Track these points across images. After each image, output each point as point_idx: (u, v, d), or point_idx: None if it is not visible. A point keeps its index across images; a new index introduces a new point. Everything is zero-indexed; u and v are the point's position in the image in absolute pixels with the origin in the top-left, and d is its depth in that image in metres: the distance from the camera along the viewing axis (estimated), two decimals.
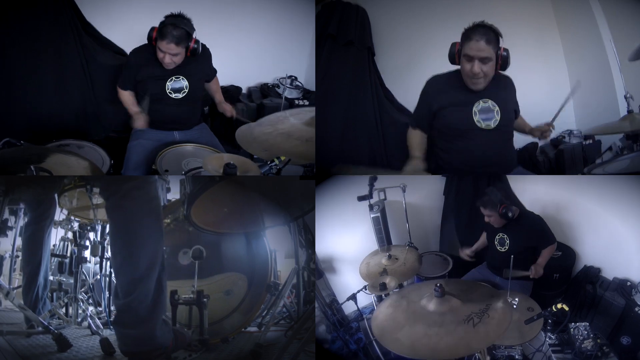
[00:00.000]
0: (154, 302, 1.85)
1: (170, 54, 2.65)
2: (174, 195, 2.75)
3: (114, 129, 3.24)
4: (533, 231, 2.61)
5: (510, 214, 2.57)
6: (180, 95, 2.81)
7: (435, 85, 2.49)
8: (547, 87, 3.47)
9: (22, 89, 3.01)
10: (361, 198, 2.86)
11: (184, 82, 2.80)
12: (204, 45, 2.86)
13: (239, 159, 2.35)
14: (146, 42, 2.73)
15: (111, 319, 2.40)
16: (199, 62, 2.86)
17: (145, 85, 2.77)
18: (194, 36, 2.72)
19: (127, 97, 2.84)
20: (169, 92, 2.79)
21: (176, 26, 2.60)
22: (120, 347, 1.89)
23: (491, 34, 2.27)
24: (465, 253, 2.87)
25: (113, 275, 2.33)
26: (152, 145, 2.77)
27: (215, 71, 3.06)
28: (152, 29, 2.68)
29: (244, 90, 3.88)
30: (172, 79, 2.78)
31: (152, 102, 2.78)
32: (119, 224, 1.89)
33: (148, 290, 1.84)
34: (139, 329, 1.83)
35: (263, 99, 3.76)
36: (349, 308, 2.95)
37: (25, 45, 2.98)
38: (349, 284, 2.86)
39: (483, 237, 2.88)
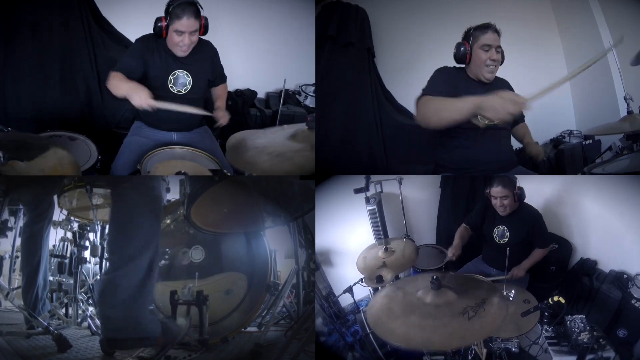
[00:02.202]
0: (141, 285, 1.87)
1: (191, 31, 2.53)
2: (173, 195, 2.74)
3: (119, 125, 3.20)
4: (532, 224, 2.64)
5: (523, 197, 2.59)
6: (182, 91, 2.67)
7: (450, 73, 2.52)
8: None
9: (27, 77, 3.00)
10: (357, 190, 2.87)
11: (187, 78, 2.67)
12: (208, 42, 2.78)
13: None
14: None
15: (97, 294, 2.30)
16: (204, 58, 2.74)
17: (147, 75, 2.62)
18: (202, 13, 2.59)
19: (117, 77, 2.54)
20: (171, 87, 2.65)
21: (189, 2, 2.51)
22: (103, 334, 1.88)
23: (498, 30, 2.48)
24: (453, 253, 2.78)
25: (105, 251, 2.37)
26: (148, 144, 2.66)
27: (224, 77, 2.95)
28: (159, 18, 2.55)
29: (262, 96, 3.75)
30: (175, 73, 2.65)
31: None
32: (120, 206, 1.97)
33: (138, 271, 1.86)
34: (122, 311, 1.83)
35: (280, 106, 3.59)
36: (345, 301, 2.96)
37: (32, 34, 2.97)
38: (346, 276, 2.86)
39: (459, 233, 2.87)
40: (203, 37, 2.70)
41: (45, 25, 2.99)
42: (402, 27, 3.51)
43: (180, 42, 2.55)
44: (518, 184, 2.62)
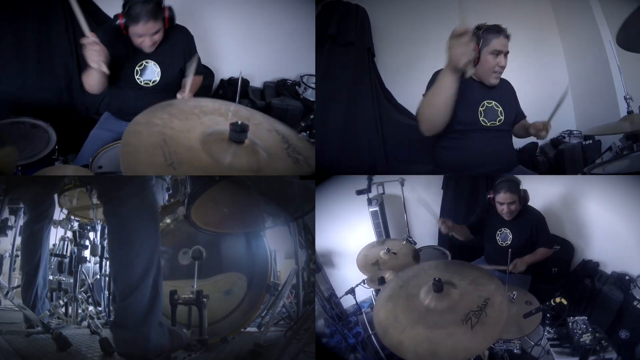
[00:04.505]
0: (150, 305, 1.87)
1: (151, 33, 2.33)
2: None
3: (98, 111, 3.06)
4: (535, 226, 2.64)
5: (528, 199, 2.59)
6: (150, 83, 2.50)
7: None
8: (547, 87, 3.47)
9: (3, 61, 2.92)
10: (359, 192, 2.86)
11: (156, 69, 2.49)
12: (183, 28, 2.56)
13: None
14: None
15: (110, 320, 2.41)
16: (175, 46, 2.52)
17: (112, 68, 2.38)
18: (163, 4, 2.38)
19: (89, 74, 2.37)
20: (137, 78, 2.48)
21: (144, 1, 2.27)
22: (116, 349, 1.91)
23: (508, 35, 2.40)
24: (447, 225, 2.69)
25: (111, 279, 2.34)
26: (111, 137, 2.51)
27: (201, 69, 2.68)
28: (116, 16, 2.34)
29: (259, 86, 3.49)
30: (142, 63, 2.47)
31: (117, 89, 2.50)
32: (116, 229, 1.92)
33: (144, 294, 1.86)
34: (135, 331, 1.85)
35: (274, 98, 3.34)
36: (347, 302, 2.96)
37: (9, 16, 2.87)
38: (348, 278, 2.86)
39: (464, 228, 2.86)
40: (178, 24, 2.53)
41: (23, 6, 2.88)
42: (402, 27, 3.50)
43: (142, 43, 2.39)
44: (521, 186, 2.62)
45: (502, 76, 2.53)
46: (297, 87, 3.44)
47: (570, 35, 3.50)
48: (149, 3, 2.28)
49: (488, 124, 2.41)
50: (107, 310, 2.55)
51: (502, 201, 2.62)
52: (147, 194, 1.94)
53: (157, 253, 1.94)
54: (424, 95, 2.39)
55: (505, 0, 3.43)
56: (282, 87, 3.46)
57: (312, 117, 2.58)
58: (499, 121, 2.42)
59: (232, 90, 3.29)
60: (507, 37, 2.40)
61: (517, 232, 2.66)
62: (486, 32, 2.39)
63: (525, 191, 2.62)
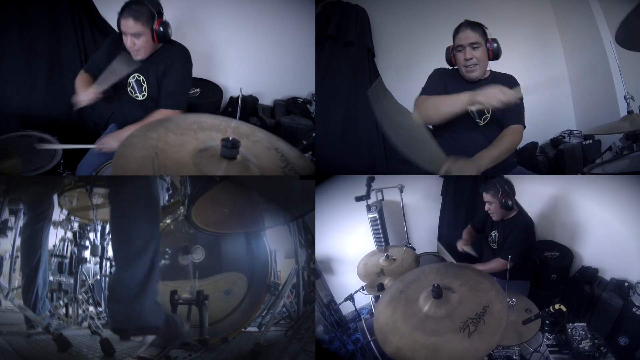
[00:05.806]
0: (145, 279, 1.95)
1: (131, 33, 2.32)
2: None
3: (107, 127, 2.95)
4: (515, 234, 2.59)
5: (509, 203, 2.56)
6: (140, 97, 2.51)
7: (443, 74, 2.53)
8: (547, 88, 3.47)
9: (13, 76, 2.94)
10: (359, 198, 2.85)
11: (143, 84, 2.48)
12: (177, 47, 2.51)
13: None
14: None
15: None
16: (162, 63, 2.45)
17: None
18: (162, 18, 2.39)
19: (81, 78, 2.45)
20: (130, 90, 2.50)
21: (137, 2, 2.32)
22: (111, 325, 1.99)
23: (475, 25, 2.43)
24: (461, 245, 2.77)
25: (111, 252, 2.37)
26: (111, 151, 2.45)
27: (173, 102, 2.48)
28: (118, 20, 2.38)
29: (269, 103, 3.47)
30: (134, 76, 2.47)
31: (118, 100, 2.53)
32: (119, 206, 2.01)
33: (141, 268, 1.94)
34: (127, 306, 1.92)
35: (283, 116, 3.31)
36: (346, 308, 2.96)
37: (19, 30, 2.90)
38: (347, 284, 2.87)
39: (466, 231, 2.86)
40: (178, 42, 2.53)
41: (34, 21, 2.91)
42: (402, 27, 3.50)
43: (127, 43, 2.38)
44: (517, 188, 2.60)
45: (503, 72, 2.52)
46: (308, 105, 3.44)
47: (570, 35, 3.50)
48: (139, 4, 2.32)
49: (476, 120, 2.41)
50: (107, 310, 2.55)
51: (484, 200, 2.64)
52: (150, 186, 2.04)
53: (157, 230, 2.03)
54: (422, 91, 2.45)
55: (505, 0, 3.44)
56: (293, 106, 3.45)
57: (314, 135, 2.58)
58: (484, 119, 2.41)
59: (242, 107, 3.31)
60: (472, 27, 2.40)
61: (502, 236, 2.65)
62: (454, 33, 2.46)
63: (507, 195, 2.55)
